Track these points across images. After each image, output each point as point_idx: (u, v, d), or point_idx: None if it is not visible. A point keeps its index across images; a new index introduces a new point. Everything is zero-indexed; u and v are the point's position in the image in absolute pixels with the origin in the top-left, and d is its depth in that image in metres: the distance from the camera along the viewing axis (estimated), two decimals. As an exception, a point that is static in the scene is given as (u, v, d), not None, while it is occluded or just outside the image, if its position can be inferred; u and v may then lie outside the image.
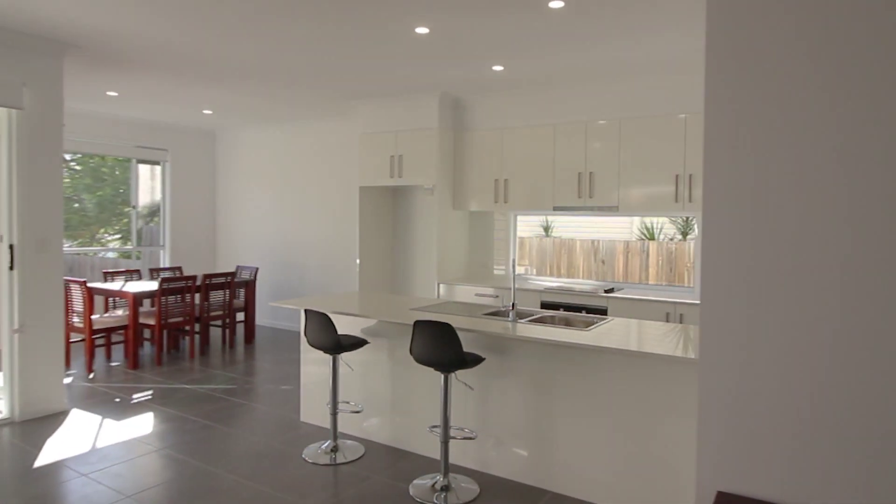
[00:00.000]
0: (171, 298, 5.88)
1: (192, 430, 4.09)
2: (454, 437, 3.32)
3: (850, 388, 1.97)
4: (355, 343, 3.61)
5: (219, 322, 6.70)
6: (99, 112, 6.88)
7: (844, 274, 2.02)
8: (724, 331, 2.23)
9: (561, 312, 3.93)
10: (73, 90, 5.56)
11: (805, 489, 2.07)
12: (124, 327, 5.77)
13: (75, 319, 5.61)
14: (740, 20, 2.23)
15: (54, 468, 3.46)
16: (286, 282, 7.67)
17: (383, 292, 6.37)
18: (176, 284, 5.90)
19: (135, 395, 4.85)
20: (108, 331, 5.75)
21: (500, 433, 3.40)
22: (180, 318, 5.99)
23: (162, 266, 7.79)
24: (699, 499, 2.26)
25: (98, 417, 4.32)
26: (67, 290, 5.62)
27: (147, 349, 6.46)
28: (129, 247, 7.58)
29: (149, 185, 7.81)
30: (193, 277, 6.07)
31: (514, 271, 3.56)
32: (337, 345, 3.51)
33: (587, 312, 4.82)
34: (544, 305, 5.08)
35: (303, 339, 4.22)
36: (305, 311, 3.59)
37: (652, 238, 6.89)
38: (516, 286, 5.32)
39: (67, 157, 6.96)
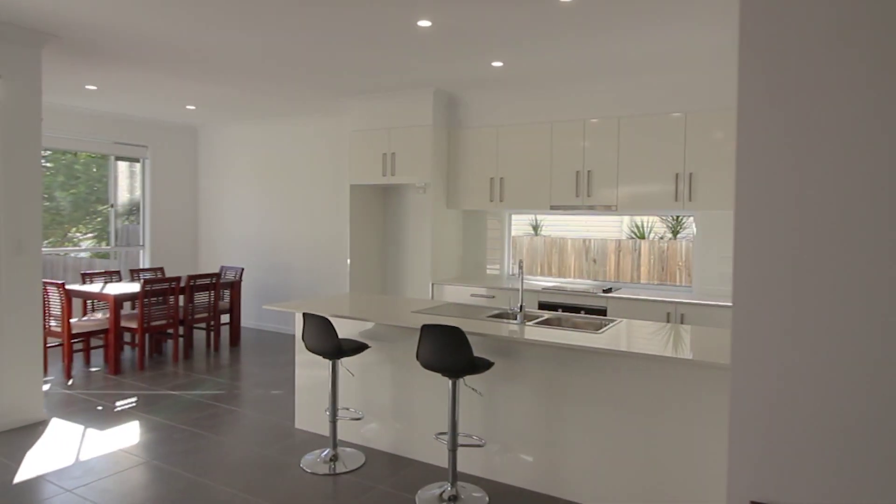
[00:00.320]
0: (154, 300, 5.65)
1: (182, 440, 3.91)
2: (462, 445, 3.20)
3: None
4: (356, 347, 3.47)
5: (203, 325, 6.48)
6: (76, 107, 6.60)
7: (889, 274, 1.95)
8: (758, 334, 2.15)
9: (566, 314, 3.84)
10: (50, 83, 5.30)
11: (846, 501, 2.00)
12: (105, 331, 5.53)
13: (52, 323, 5.36)
14: (776, 11, 2.15)
15: (36, 484, 3.26)
16: (272, 282, 7.47)
17: (376, 293, 6.22)
18: (159, 286, 5.68)
19: (118, 403, 4.63)
20: (87, 335, 5.51)
21: (507, 439, 3.29)
22: (163, 321, 5.77)
23: (142, 267, 7.53)
24: (732, 509, 2.17)
25: (80, 427, 4.11)
26: (45, 293, 5.36)
27: (128, 353, 6.21)
28: (107, 247, 7.30)
29: (127, 182, 7.54)
30: (177, 279, 5.85)
31: (521, 272, 3.45)
32: (338, 350, 3.36)
33: (586, 313, 4.74)
34: (542, 306, 4.99)
35: (297, 342, 4.06)
36: (304, 314, 3.43)
37: (642, 237, 6.85)
38: (512, 286, 5.23)
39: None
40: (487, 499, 3.12)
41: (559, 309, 4.92)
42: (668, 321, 4.47)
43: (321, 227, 7.06)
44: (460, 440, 3.19)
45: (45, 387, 4.97)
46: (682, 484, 2.82)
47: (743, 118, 2.17)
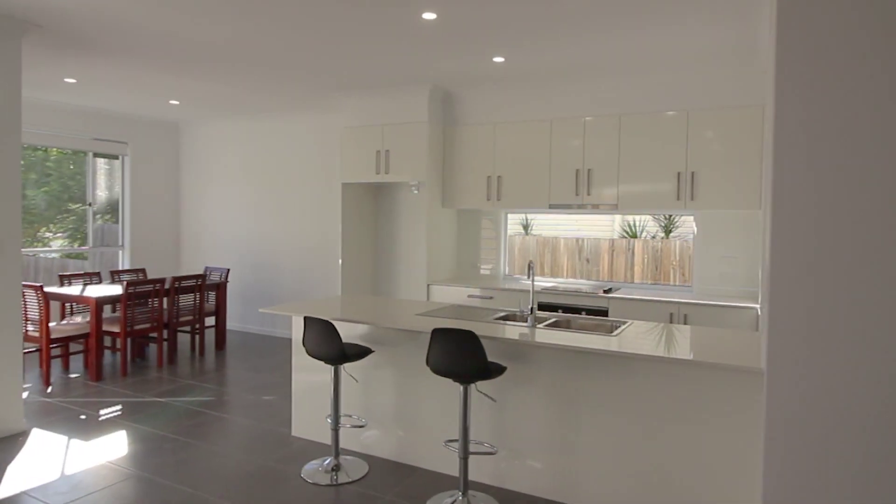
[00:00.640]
0: (137, 303, 5.43)
1: (173, 450, 3.72)
2: (474, 453, 3.08)
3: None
4: (360, 352, 3.33)
5: (187, 328, 6.26)
6: (53, 101, 6.32)
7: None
8: (794, 338, 2.08)
9: (573, 316, 3.76)
10: (26, 76, 5.04)
11: (893, 509, 1.93)
12: (85, 335, 5.29)
13: (30, 328, 5.10)
14: (813, 13, 2.08)
15: (18, 501, 3.05)
16: (259, 284, 7.26)
17: (368, 295, 6.07)
18: (143, 288, 5.45)
19: (102, 411, 4.42)
20: (66, 340, 5.26)
21: (518, 446, 3.19)
22: (147, 325, 5.54)
23: (121, 268, 7.27)
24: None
25: (63, 438, 3.89)
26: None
27: (109, 359, 5.97)
28: (84, 247, 7.01)
29: (104, 180, 7.26)
30: (161, 280, 5.63)
31: (532, 273, 3.35)
32: (341, 355, 3.22)
33: (587, 314, 4.67)
34: (541, 307, 4.90)
35: (294, 346, 3.91)
36: (305, 318, 3.28)
37: (634, 236, 6.82)
38: (510, 286, 5.14)
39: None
40: (500, 508, 3.02)
41: (559, 310, 4.84)
42: (670, 321, 4.41)
43: (310, 227, 6.88)
44: (470, 447, 3.07)
45: (24, 395, 4.73)
46: (701, 492, 2.74)
47: (780, 120, 2.09)
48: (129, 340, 5.62)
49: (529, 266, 3.40)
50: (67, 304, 5.83)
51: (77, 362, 5.76)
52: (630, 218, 6.66)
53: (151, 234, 7.55)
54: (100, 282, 6.16)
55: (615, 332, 3.14)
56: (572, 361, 3.03)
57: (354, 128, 5.70)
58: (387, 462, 3.57)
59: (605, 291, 4.88)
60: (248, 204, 7.32)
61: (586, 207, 4.97)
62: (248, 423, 4.21)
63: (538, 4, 3.35)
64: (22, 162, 6.52)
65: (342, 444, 3.74)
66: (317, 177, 6.80)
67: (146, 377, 5.35)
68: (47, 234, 6.94)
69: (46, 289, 5.20)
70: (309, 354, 3.32)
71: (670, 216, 6.29)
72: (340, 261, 5.81)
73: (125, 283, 5.34)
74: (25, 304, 5.08)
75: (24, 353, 5.13)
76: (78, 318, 5.69)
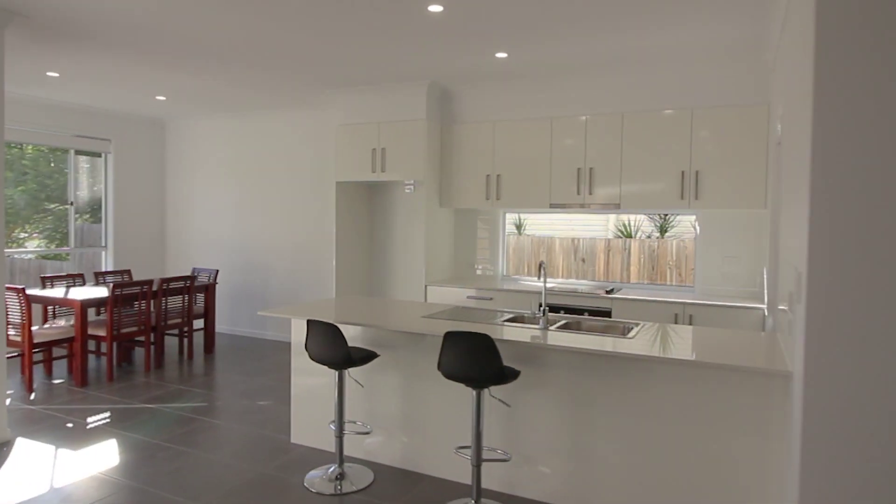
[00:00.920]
0: (124, 305, 5.24)
1: (167, 459, 3.57)
2: (487, 460, 2.98)
3: None
4: (366, 356, 3.21)
5: (175, 331, 6.08)
6: (33, 96, 6.08)
7: None
8: (833, 339, 2.01)
9: (583, 317, 3.68)
10: (6, 69, 4.82)
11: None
12: (69, 340, 5.08)
13: (11, 332, 4.88)
14: (853, 10, 2.01)
15: (6, 515, 2.89)
16: (248, 285, 7.08)
17: (362, 296, 5.94)
18: (130, 290, 5.26)
19: (90, 419, 4.23)
20: (49, 344, 5.05)
21: (531, 452, 3.09)
22: (135, 328, 5.35)
23: (104, 269, 7.04)
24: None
25: (50, 447, 3.71)
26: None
27: (93, 363, 5.76)
28: (65, 248, 6.77)
29: (86, 179, 7.03)
30: (149, 282, 5.44)
31: (544, 274, 3.26)
32: (347, 359, 3.10)
33: (590, 314, 4.60)
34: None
35: (294, 349, 3.78)
36: (309, 321, 3.15)
37: (629, 236, 6.78)
38: (508, 287, 5.05)
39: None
40: (513, 516, 2.92)
41: (561, 311, 4.77)
42: (675, 322, 4.36)
43: (301, 227, 6.72)
44: (485, 454, 2.97)
45: (6, 402, 4.52)
46: (721, 501, 2.67)
47: (819, 117, 2.02)
48: (115, 344, 5.42)
49: (540, 266, 3.31)
50: (50, 307, 5.61)
51: (61, 367, 5.55)
52: (625, 217, 6.62)
53: (136, 234, 7.33)
54: (83, 284, 5.94)
55: (630, 335, 3.06)
56: (586, 364, 2.95)
57: (350, 125, 5.57)
58: (392, 469, 3.46)
59: (607, 292, 4.82)
60: (237, 203, 7.14)
61: (588, 207, 4.90)
62: (245, 430, 4.07)
63: (549, -2, 3.27)
64: None
65: (345, 452, 3.62)
66: (309, 175, 6.64)
67: (133, 382, 5.16)
68: (22, 235, 6.68)
69: (28, 291, 4.99)
70: (312, 359, 3.19)
71: (666, 215, 6.26)
72: (334, 261, 5.67)
73: (112, 284, 5.14)
74: (7, 308, 4.86)
75: (6, 357, 4.92)
76: (61, 322, 5.48)
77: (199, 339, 6.72)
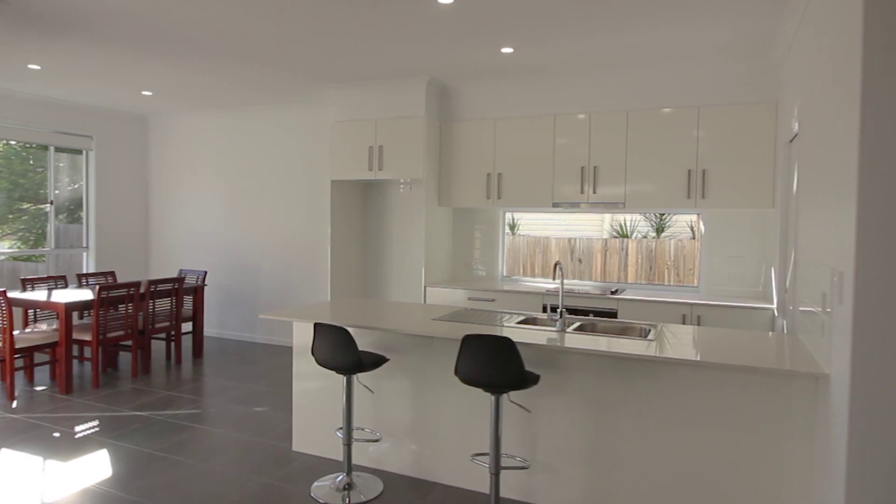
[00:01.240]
0: (109, 309, 5.03)
1: (163, 470, 3.39)
2: (506, 468, 2.87)
3: None
4: (376, 361, 3.08)
5: (162, 335, 5.86)
6: (11, 90, 5.82)
7: None
8: (883, 341, 1.95)
9: (598, 319, 3.59)
10: (-15, 61, 4.60)
11: None
12: (53, 344, 4.85)
13: (-10, 337, 4.64)
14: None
15: (-6, 535, 2.70)
16: (237, 287, 6.88)
17: (358, 297, 5.80)
18: (117, 292, 5.05)
19: (77, 428, 4.03)
20: (32, 349, 4.81)
21: (548, 458, 2.99)
22: (121, 332, 5.14)
23: (85, 271, 6.78)
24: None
25: (37, 459, 3.51)
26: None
27: (76, 369, 5.52)
28: (44, 249, 6.50)
29: (64, 177, 6.76)
30: (136, 284, 5.23)
31: (561, 274, 3.16)
32: (358, 364, 2.97)
33: (595, 315, 4.52)
34: (546, 309, 4.73)
35: (296, 353, 3.63)
36: (316, 325, 3.01)
37: (625, 236, 6.74)
38: (509, 288, 4.95)
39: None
40: (533, 526, 2.82)
41: (566, 312, 4.68)
42: (683, 323, 4.30)
43: (294, 227, 6.54)
44: (503, 462, 2.86)
45: (-15, 411, 4.31)
46: None
47: (867, 111, 1.95)
48: (100, 349, 5.20)
49: (555, 267, 3.21)
50: (30, 311, 5.36)
51: (43, 374, 5.31)
52: (620, 217, 6.57)
53: (118, 234, 7.08)
54: (66, 286, 5.70)
55: (650, 336, 2.98)
56: (605, 368, 2.86)
57: (345, 122, 5.42)
58: (403, 478, 3.33)
59: (612, 293, 4.74)
60: (226, 202, 6.93)
61: (592, 206, 4.83)
62: (243, 438, 3.90)
63: (563, -10, 3.17)
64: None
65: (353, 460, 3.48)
66: (302, 174, 6.47)
67: (121, 389, 4.95)
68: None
69: (9, 294, 4.76)
70: (320, 364, 3.05)
71: (662, 215, 6.22)
72: (329, 262, 5.52)
73: (97, 287, 4.93)
74: (-14, 311, 4.63)
75: (-15, 364, 4.69)
76: (43, 326, 5.24)
77: (186, 342, 6.51)
